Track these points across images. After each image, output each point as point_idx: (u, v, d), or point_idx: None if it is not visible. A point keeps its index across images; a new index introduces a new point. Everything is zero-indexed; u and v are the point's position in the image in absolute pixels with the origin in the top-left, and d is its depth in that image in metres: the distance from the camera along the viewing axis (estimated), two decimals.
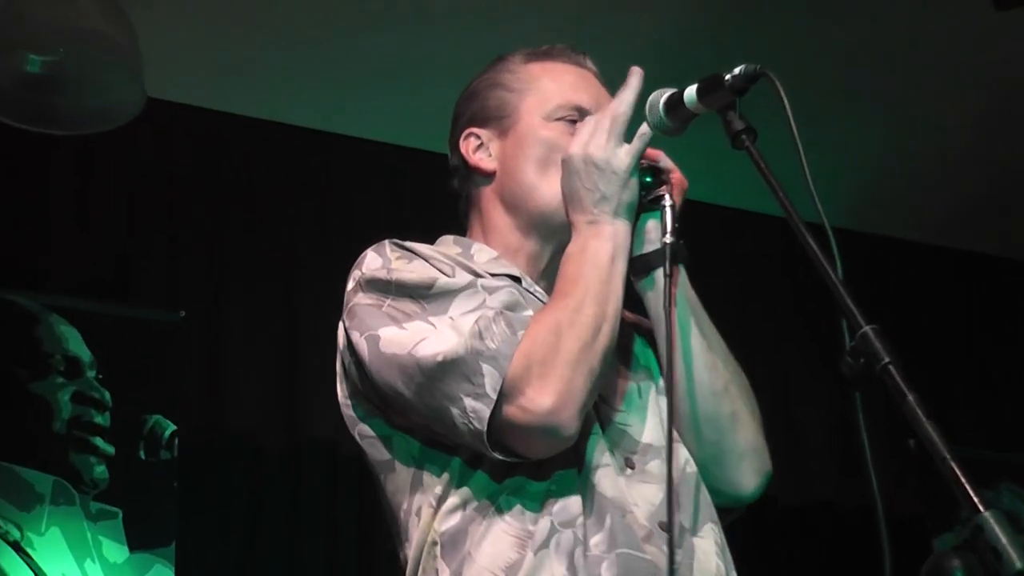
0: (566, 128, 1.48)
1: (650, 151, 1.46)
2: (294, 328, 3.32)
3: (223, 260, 3.34)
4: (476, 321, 1.31)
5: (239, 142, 3.46)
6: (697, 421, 1.44)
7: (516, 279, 1.46)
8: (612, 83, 1.54)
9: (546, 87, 1.52)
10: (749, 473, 1.46)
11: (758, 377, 1.52)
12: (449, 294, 1.35)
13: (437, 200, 3.40)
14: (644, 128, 1.42)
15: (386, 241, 1.45)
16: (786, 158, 1.28)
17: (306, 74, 3.36)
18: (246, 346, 3.26)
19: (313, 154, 3.54)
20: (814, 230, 1.23)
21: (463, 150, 1.54)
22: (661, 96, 1.44)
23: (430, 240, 1.55)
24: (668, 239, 1.40)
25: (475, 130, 1.54)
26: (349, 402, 1.44)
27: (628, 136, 1.42)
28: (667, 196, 1.42)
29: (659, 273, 1.41)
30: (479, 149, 1.53)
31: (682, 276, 1.45)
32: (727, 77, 1.36)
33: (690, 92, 1.41)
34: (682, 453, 1.43)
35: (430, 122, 3.44)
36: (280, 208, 3.45)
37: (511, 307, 1.35)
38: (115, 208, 3.26)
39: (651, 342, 1.53)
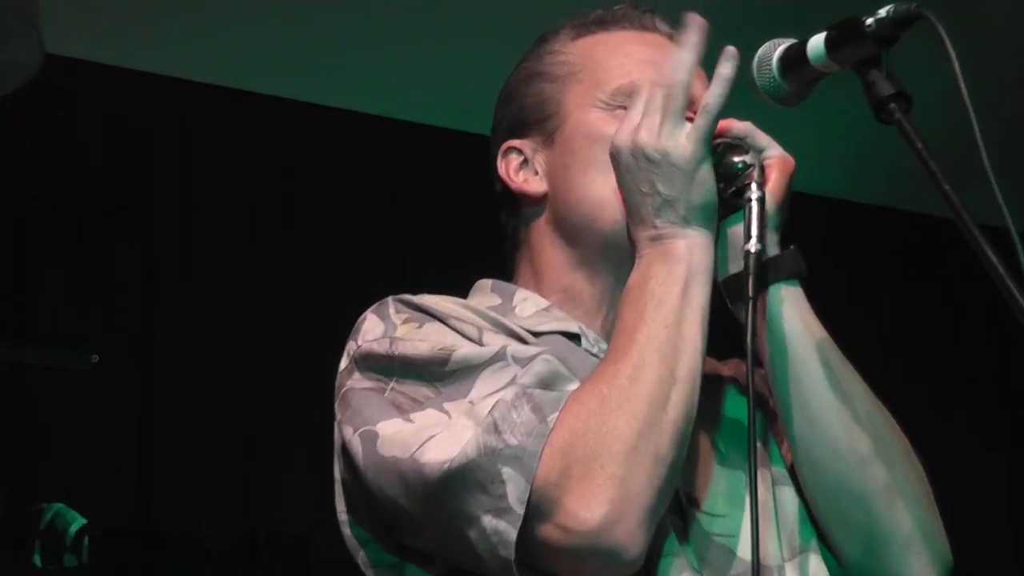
0: None
1: (735, 124, 1.45)
2: (251, 376, 3.33)
3: (151, 282, 3.34)
4: (491, 409, 1.31)
5: (175, 113, 3.47)
6: (839, 500, 1.43)
7: (573, 336, 1.46)
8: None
9: (600, 66, 1.53)
10: (919, 564, 1.45)
11: None
12: (470, 370, 1.35)
13: (437, 187, 3.42)
14: (709, 97, 1.40)
15: (390, 299, 1.45)
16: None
17: (254, 25, 3.37)
18: (183, 403, 3.27)
19: (273, 128, 3.56)
20: (990, 235, 1.22)
21: (502, 172, 1.55)
22: (775, 49, 1.44)
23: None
24: (752, 247, 1.39)
25: (515, 143, 1.55)
26: (347, 519, 1.45)
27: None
28: (753, 186, 1.41)
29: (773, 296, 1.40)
30: (522, 167, 1.54)
31: (799, 299, 1.44)
32: (869, 21, 1.35)
33: (816, 43, 1.40)
34: (811, 566, 1.42)
35: (424, 87, 3.46)
36: (230, 202, 3.46)
37: (548, 382, 1.34)
38: (1, 211, 3.27)
39: (756, 400, 1.52)
